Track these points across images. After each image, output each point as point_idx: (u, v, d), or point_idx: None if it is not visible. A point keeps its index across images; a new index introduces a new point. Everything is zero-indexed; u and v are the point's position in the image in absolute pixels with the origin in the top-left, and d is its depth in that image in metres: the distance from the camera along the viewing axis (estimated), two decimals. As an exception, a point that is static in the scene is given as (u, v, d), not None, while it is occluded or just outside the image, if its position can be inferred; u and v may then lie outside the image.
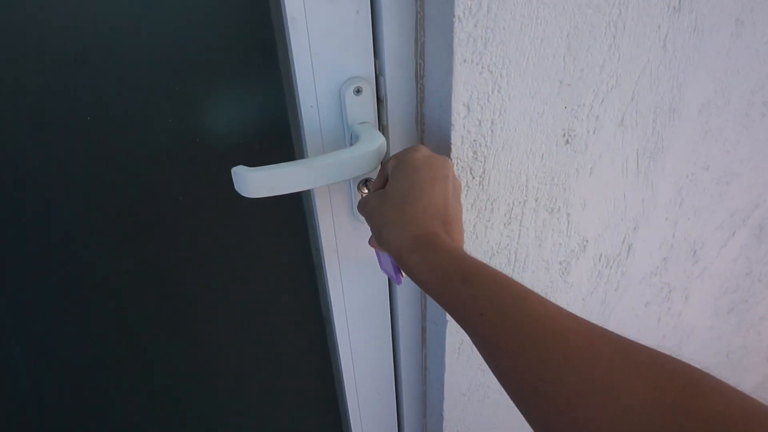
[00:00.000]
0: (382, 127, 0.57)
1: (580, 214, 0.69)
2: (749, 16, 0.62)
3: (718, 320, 1.07)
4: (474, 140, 0.54)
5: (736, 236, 0.90)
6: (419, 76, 0.55)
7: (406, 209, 0.44)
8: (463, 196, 0.58)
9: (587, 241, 0.73)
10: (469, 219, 0.60)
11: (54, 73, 0.45)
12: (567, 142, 0.60)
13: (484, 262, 0.40)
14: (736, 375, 1.29)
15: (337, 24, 0.49)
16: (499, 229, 0.64)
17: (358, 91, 0.52)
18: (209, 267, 0.63)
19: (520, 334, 0.34)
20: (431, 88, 0.54)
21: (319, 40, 0.49)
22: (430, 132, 0.57)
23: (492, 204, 0.61)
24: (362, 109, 0.53)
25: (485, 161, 0.56)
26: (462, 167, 0.56)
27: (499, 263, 0.67)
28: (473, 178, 0.57)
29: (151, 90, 0.49)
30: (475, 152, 0.55)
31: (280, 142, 0.57)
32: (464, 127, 0.53)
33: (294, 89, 0.51)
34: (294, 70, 0.50)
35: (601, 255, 0.76)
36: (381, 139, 0.51)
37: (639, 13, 0.55)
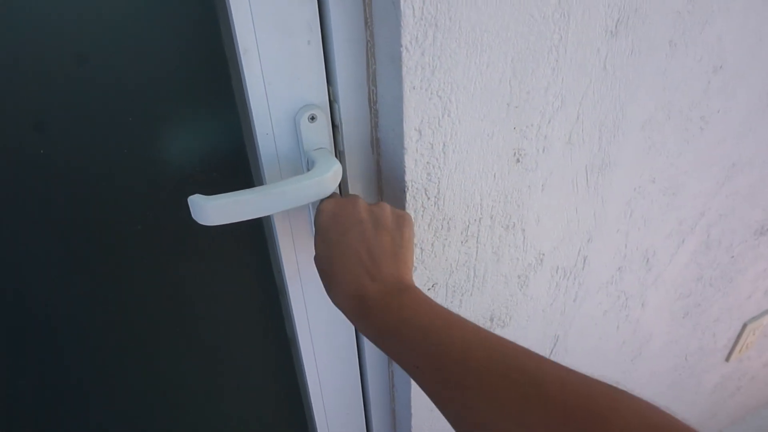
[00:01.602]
0: (339, 152, 0.58)
1: (535, 228, 0.71)
2: (681, 38, 0.66)
3: (675, 324, 1.11)
4: (427, 162, 0.56)
5: (685, 243, 0.94)
6: (372, 102, 0.56)
7: (333, 274, 0.47)
8: (419, 216, 0.60)
9: (543, 254, 0.75)
10: (426, 238, 0.62)
11: None
12: (518, 161, 0.63)
13: (418, 293, 0.44)
14: (695, 376, 1.34)
15: (289, 54, 0.50)
16: (457, 247, 0.65)
17: (312, 119, 0.53)
18: (171, 293, 0.63)
19: (448, 382, 0.37)
20: (384, 114, 0.55)
21: (272, 70, 0.50)
22: (386, 155, 0.58)
23: (448, 223, 0.62)
24: (317, 135, 0.54)
25: (439, 182, 0.58)
26: (417, 189, 0.57)
27: (458, 280, 0.68)
28: (428, 198, 0.59)
29: (107, 120, 0.50)
30: (428, 174, 0.57)
31: (238, 169, 0.57)
32: (417, 150, 0.54)
33: (249, 118, 0.52)
34: (249, 100, 0.51)
35: (557, 267, 0.79)
36: (336, 165, 0.52)
37: (579, 38, 0.58)
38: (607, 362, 1.04)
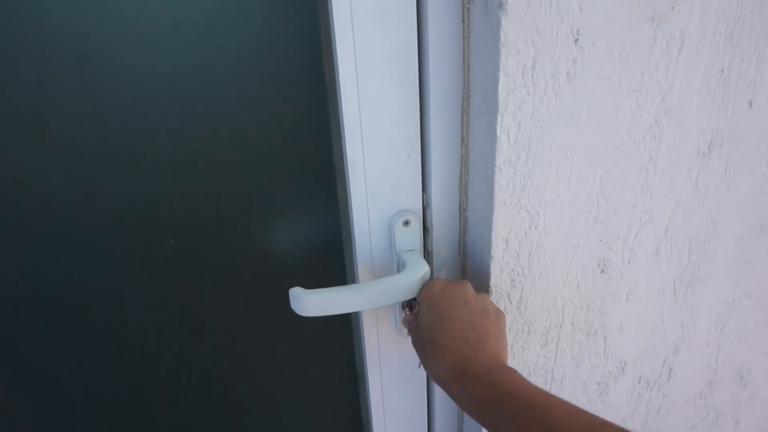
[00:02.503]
0: (427, 253, 0.62)
1: (617, 337, 0.70)
2: (780, 158, 0.65)
3: (774, 448, 1.01)
4: (512, 270, 0.58)
5: (785, 362, 0.88)
6: (463, 209, 0.60)
7: (437, 342, 0.49)
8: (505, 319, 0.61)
9: (626, 363, 0.74)
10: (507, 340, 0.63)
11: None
12: (602, 271, 0.63)
13: (518, 373, 0.46)
14: None
15: (390, 166, 0.55)
16: (536, 350, 0.66)
17: (406, 223, 0.58)
18: (260, 370, 0.67)
19: None
20: (473, 222, 0.59)
21: (374, 180, 0.55)
22: (472, 259, 0.61)
23: (529, 327, 0.63)
24: (410, 238, 0.58)
25: (522, 288, 0.60)
26: (500, 293, 0.59)
27: (536, 382, 0.68)
28: (511, 303, 0.61)
29: (227, 212, 0.57)
30: (513, 280, 0.59)
31: (334, 263, 0.63)
32: (503, 258, 0.57)
33: (350, 219, 0.58)
34: (351, 204, 0.56)
35: (640, 377, 0.76)
36: (425, 269, 0.55)
37: (669, 158, 0.59)
38: (694, 482, 0.97)
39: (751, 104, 0.60)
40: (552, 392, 0.71)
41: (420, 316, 0.53)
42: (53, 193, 0.52)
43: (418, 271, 0.55)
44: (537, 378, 0.68)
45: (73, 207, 0.53)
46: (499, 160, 0.52)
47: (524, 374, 0.67)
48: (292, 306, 0.53)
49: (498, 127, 0.50)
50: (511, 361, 0.65)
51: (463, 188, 0.59)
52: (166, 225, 0.55)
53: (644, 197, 0.61)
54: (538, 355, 0.66)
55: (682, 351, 0.77)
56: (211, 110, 0.52)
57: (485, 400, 0.44)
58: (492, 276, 0.58)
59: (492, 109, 0.50)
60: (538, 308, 0.62)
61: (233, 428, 0.71)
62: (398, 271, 0.59)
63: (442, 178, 0.58)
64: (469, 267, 0.62)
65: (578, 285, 0.63)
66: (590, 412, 0.75)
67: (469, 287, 0.53)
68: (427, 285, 0.54)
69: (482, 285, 0.59)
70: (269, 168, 0.56)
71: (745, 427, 0.93)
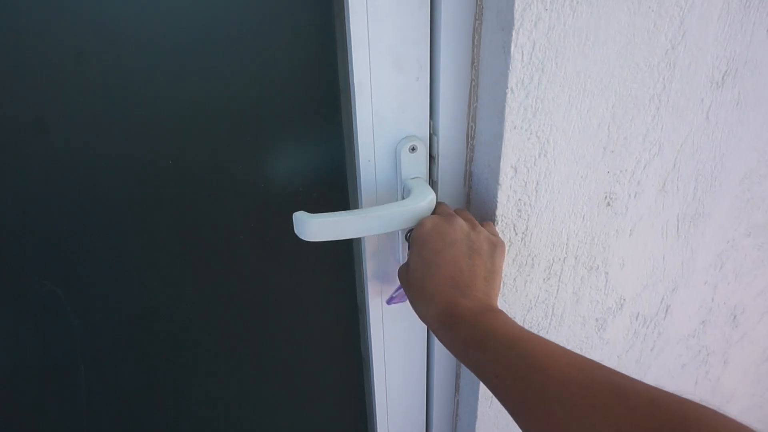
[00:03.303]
0: (433, 183, 0.61)
1: (618, 273, 0.70)
2: (792, 92, 0.64)
3: (761, 388, 1.04)
4: (519, 200, 0.57)
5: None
6: (470, 137, 0.58)
7: (424, 288, 0.49)
8: (505, 250, 0.61)
9: (624, 299, 0.74)
10: (509, 272, 0.63)
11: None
12: (608, 204, 0.63)
13: (506, 315, 0.45)
14: (777, 446, 1.24)
15: (398, 89, 0.53)
16: (538, 284, 0.66)
17: (413, 149, 0.56)
18: (261, 301, 0.67)
19: (528, 390, 0.37)
20: (481, 150, 0.57)
21: (380, 103, 0.53)
22: (477, 189, 0.60)
23: (533, 260, 0.63)
24: (416, 165, 0.57)
25: (528, 219, 0.59)
26: (506, 224, 0.59)
27: (536, 316, 0.69)
28: (516, 234, 0.60)
29: (226, 139, 0.55)
30: (519, 210, 0.58)
31: (337, 191, 0.61)
32: (510, 187, 0.56)
33: (354, 145, 0.56)
34: (356, 128, 0.54)
35: (638, 314, 0.77)
36: (431, 195, 0.54)
37: (682, 87, 0.58)
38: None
39: (769, 32, 0.58)
40: (551, 327, 0.72)
41: (409, 257, 0.52)
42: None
43: (423, 198, 0.54)
44: (537, 312, 0.68)
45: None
46: (512, 81, 0.50)
47: (525, 309, 0.67)
48: (296, 231, 0.52)
49: (512, 45, 0.48)
50: (513, 293, 0.65)
51: (472, 114, 0.57)
52: (166, 148, 0.53)
53: (655, 128, 0.59)
54: (540, 289, 0.66)
55: (681, 289, 0.77)
56: (211, 38, 0.49)
57: (468, 341, 0.43)
58: (499, 205, 0.57)
59: (507, 26, 0.47)
60: (542, 240, 0.62)
61: (233, 346, 0.71)
62: (403, 199, 0.58)
63: (450, 103, 0.56)
64: (474, 197, 0.61)
65: (584, 218, 0.62)
66: (583, 349, 0.76)
67: (459, 223, 0.52)
68: (419, 222, 0.53)
69: (488, 215, 0.59)
70: (271, 88, 0.54)
71: (732, 366, 0.95)
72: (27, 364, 0.62)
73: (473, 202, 0.62)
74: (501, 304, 0.65)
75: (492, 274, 0.50)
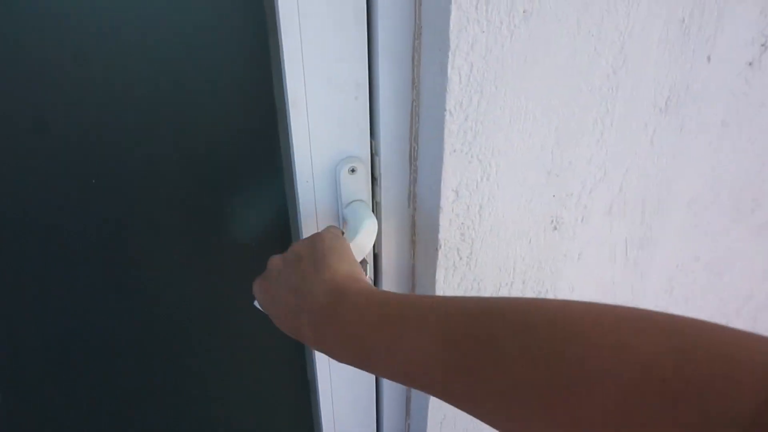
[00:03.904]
0: (376, 204, 0.59)
1: (568, 297, 0.69)
2: (734, 118, 0.65)
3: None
4: (462, 223, 0.56)
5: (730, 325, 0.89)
6: (413, 158, 0.57)
7: (282, 325, 0.44)
8: (450, 275, 0.59)
9: (575, 324, 0.73)
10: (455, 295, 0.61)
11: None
12: (555, 228, 0.62)
13: (356, 288, 0.40)
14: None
15: (336, 108, 0.52)
16: (486, 309, 0.64)
17: (352, 171, 0.54)
18: (199, 315, 0.64)
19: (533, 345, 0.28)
20: (423, 171, 0.56)
21: (317, 122, 0.52)
22: (421, 211, 0.59)
23: (479, 284, 0.62)
24: (356, 187, 0.55)
25: (472, 243, 0.58)
26: (449, 248, 0.57)
27: (485, 342, 0.67)
28: (460, 258, 0.58)
29: (163, 151, 0.52)
30: (462, 234, 0.57)
31: (277, 212, 0.59)
32: (452, 210, 0.55)
33: (291, 165, 0.54)
34: (292, 148, 0.52)
35: (589, 338, 0.76)
36: (369, 222, 0.52)
37: (626, 111, 0.58)
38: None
39: (709, 59, 0.59)
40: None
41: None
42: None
43: (360, 228, 0.52)
44: (486, 337, 0.67)
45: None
46: (450, 103, 0.49)
47: (473, 333, 0.66)
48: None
49: (449, 66, 0.47)
50: (460, 319, 0.63)
51: (414, 135, 0.56)
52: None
53: (599, 152, 0.59)
54: (488, 314, 0.65)
55: (631, 313, 0.77)
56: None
57: (337, 352, 0.38)
58: (441, 229, 0.55)
59: (443, 47, 0.46)
60: (488, 264, 0.61)
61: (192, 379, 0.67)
62: (343, 222, 0.56)
63: (391, 123, 0.54)
64: (418, 219, 0.60)
65: (530, 242, 0.61)
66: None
67: (274, 261, 0.47)
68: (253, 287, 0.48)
69: (431, 238, 0.57)
70: (204, 109, 0.52)
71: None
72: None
73: (418, 224, 0.61)
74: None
75: (323, 258, 0.43)
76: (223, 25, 0.49)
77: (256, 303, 0.49)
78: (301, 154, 0.53)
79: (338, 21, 0.48)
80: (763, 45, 0.61)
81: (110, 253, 0.56)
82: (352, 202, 0.56)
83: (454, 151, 0.51)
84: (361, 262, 0.58)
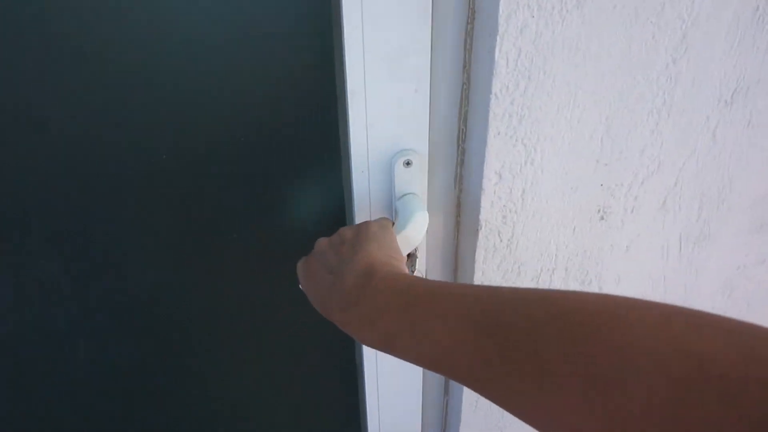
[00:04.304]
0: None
1: (614, 289, 0.69)
2: (813, 116, 0.61)
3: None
4: (504, 206, 0.57)
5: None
6: (461, 140, 0.59)
7: (326, 313, 0.44)
8: (489, 256, 0.61)
9: (621, 317, 0.72)
10: (494, 279, 0.63)
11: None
12: (602, 218, 0.61)
13: (390, 272, 0.40)
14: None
15: (395, 100, 0.53)
16: (526, 293, 0.65)
17: (408, 164, 0.55)
18: (253, 305, 0.69)
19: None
20: (470, 154, 0.57)
21: (376, 113, 0.53)
22: (466, 193, 0.60)
23: (519, 267, 0.63)
24: (411, 179, 0.56)
25: (514, 226, 0.59)
26: (490, 229, 0.58)
27: (523, 326, 0.68)
28: (501, 241, 0.60)
29: (221, 139, 0.56)
30: (504, 217, 0.58)
31: (332, 200, 0.62)
32: (495, 192, 0.56)
33: (348, 155, 0.57)
34: (349, 138, 0.55)
35: (635, 334, 0.75)
36: (419, 216, 0.54)
37: (685, 103, 0.56)
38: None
39: (785, 51, 0.56)
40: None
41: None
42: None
43: (409, 221, 0.53)
44: (525, 321, 0.68)
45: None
46: (496, 87, 0.50)
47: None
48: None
49: (497, 50, 0.48)
50: (498, 300, 0.64)
51: (463, 117, 0.57)
52: (164, 147, 0.56)
53: (654, 144, 0.58)
54: (528, 298, 0.66)
55: (683, 312, 0.75)
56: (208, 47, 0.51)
57: (372, 338, 0.37)
58: (482, 210, 0.57)
59: (492, 32, 0.48)
60: (530, 249, 0.61)
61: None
62: (395, 214, 0.58)
63: (442, 105, 0.56)
64: (463, 200, 0.62)
65: (574, 230, 0.61)
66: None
67: (321, 243, 0.49)
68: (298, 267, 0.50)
69: (473, 219, 0.59)
70: (269, 90, 0.54)
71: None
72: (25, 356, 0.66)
73: (463, 206, 0.62)
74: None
75: (364, 242, 0.45)
76: (288, 13, 0.51)
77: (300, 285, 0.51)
78: (357, 144, 0.55)
79: (402, 12, 0.49)
80: None
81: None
82: (405, 194, 0.57)
83: (498, 134, 0.52)
84: (410, 256, 0.59)
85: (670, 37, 0.51)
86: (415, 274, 0.60)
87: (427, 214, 0.55)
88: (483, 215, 0.57)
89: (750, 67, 0.56)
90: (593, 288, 0.67)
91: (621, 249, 0.65)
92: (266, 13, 0.51)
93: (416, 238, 0.54)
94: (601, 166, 0.57)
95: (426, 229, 0.55)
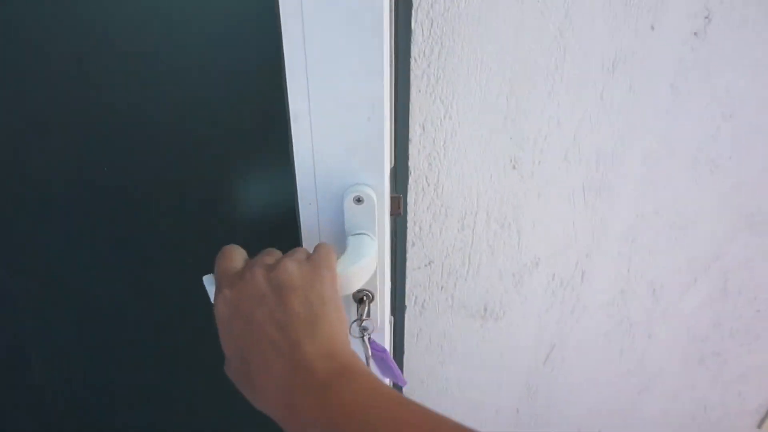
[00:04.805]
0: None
1: (530, 232, 0.81)
2: (684, 84, 0.74)
3: (689, 368, 1.12)
4: (429, 154, 0.69)
5: (698, 283, 0.98)
6: (391, 101, 0.71)
7: (252, 377, 0.40)
8: (420, 198, 0.73)
9: (539, 258, 0.85)
10: (425, 219, 0.75)
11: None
12: (514, 167, 0.74)
13: (358, 369, 0.40)
14: (715, 432, 1.31)
15: (344, 128, 0.50)
16: (454, 233, 0.77)
17: (359, 200, 0.52)
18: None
19: None
20: (398, 110, 0.70)
21: (322, 141, 0.50)
22: (399, 144, 0.72)
23: (446, 210, 0.75)
24: (362, 219, 0.53)
25: (439, 172, 0.71)
26: (419, 174, 0.70)
27: (454, 263, 0.80)
28: (428, 185, 0.72)
29: (175, 157, 0.62)
30: (429, 164, 0.70)
31: (286, 230, 0.65)
32: (420, 142, 0.68)
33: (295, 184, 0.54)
34: (294, 165, 0.52)
35: (554, 275, 0.87)
36: (367, 258, 0.51)
37: (574, 69, 0.69)
38: (611, 386, 1.08)
39: (653, 27, 0.69)
40: (469, 276, 0.83)
41: (221, 339, 0.42)
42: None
43: (354, 266, 0.49)
44: (455, 259, 0.80)
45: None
46: (414, 52, 0.62)
47: (442, 254, 0.79)
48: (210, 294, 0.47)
49: (413, 20, 0.60)
50: (430, 239, 0.77)
51: (393, 80, 0.69)
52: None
53: (551, 104, 0.70)
54: (456, 238, 0.78)
55: (594, 256, 0.87)
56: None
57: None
58: (410, 157, 0.69)
59: (408, 4, 0.60)
60: (454, 193, 0.74)
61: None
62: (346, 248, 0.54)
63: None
64: (397, 152, 0.74)
65: (491, 177, 0.74)
66: (504, 302, 0.86)
67: (257, 271, 0.42)
68: (216, 295, 0.43)
69: (402, 166, 0.71)
70: (213, 112, 0.59)
71: (658, 341, 1.04)
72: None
73: (395, 157, 0.74)
74: (419, 248, 0.77)
75: (321, 307, 0.41)
76: (235, 26, 0.54)
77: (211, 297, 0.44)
78: (303, 173, 0.52)
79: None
80: (706, 17, 0.70)
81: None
82: (356, 234, 0.54)
83: (419, 91, 0.64)
84: (362, 300, 0.59)
85: (555, 13, 0.64)
86: (369, 320, 0.60)
87: (374, 262, 0.52)
88: (411, 162, 0.69)
89: (624, 41, 0.69)
90: (513, 231, 0.80)
91: (534, 196, 0.77)
92: (211, 29, 0.55)
93: (355, 285, 0.51)
94: (509, 121, 0.70)
95: (368, 277, 0.53)
